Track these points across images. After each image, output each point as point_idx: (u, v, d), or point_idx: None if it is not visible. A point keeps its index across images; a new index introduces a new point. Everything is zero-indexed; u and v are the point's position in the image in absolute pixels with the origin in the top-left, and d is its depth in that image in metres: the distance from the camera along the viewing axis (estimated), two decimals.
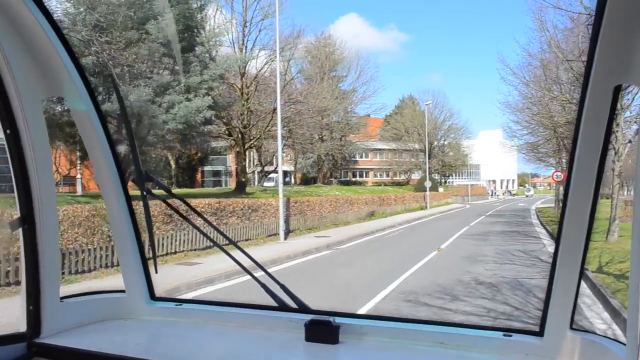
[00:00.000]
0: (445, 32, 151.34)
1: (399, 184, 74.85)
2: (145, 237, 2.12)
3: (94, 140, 1.91)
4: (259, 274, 2.03)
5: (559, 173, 29.92)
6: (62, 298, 1.97)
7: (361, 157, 78.56)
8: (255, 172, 54.50)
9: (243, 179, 29.36)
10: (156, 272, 2.19)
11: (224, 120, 27.38)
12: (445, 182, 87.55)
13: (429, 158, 78.20)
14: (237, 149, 29.07)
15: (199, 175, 58.32)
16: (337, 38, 72.06)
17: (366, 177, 79.52)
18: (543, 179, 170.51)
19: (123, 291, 2.17)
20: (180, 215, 2.18)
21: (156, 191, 2.06)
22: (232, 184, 55.73)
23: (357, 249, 19.79)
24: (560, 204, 27.48)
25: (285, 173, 69.48)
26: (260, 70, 28.72)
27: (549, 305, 1.62)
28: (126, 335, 2.02)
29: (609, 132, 1.31)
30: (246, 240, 19.73)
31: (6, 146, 1.75)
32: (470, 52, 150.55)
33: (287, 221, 23.36)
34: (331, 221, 27.92)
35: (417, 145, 78.07)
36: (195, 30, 20.07)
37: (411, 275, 13.25)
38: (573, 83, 18.62)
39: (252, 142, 29.30)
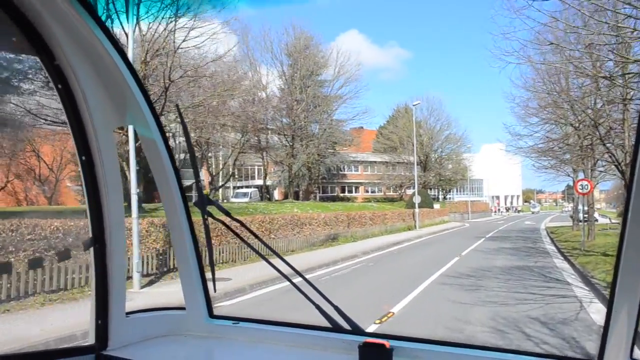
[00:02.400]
0: (447, 49, 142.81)
1: (392, 199, 66.03)
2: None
3: (160, 166, 2.00)
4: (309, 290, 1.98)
5: (585, 182, 20.98)
6: (127, 313, 2.03)
7: (350, 170, 69.75)
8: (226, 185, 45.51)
9: (138, 191, 20.38)
10: (215, 291, 2.17)
11: None
12: (445, 197, 78.51)
13: (425, 171, 69.50)
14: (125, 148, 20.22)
15: None
16: (319, 38, 63.84)
17: (356, 192, 70.54)
18: (548, 194, 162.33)
19: (183, 308, 2.21)
20: (239, 237, 2.25)
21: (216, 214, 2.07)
22: None
23: (250, 307, 10.99)
24: (581, 224, 17.67)
25: (263, 187, 61.16)
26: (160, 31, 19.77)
27: (608, 332, 1.52)
28: (186, 351, 2.10)
29: None
30: (64, 290, 10.95)
31: (81, 171, 1.86)
32: (472, 68, 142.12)
33: (165, 255, 14.63)
34: (262, 251, 19.08)
35: (412, 158, 69.38)
36: None
37: None
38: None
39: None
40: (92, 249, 1.89)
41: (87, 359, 1.88)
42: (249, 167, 60.85)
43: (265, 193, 59.84)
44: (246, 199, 45.82)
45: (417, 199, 39.94)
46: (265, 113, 40.73)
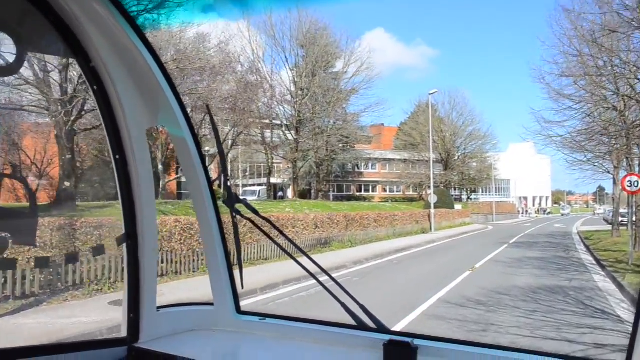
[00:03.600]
0: (475, 46, 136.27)
1: (411, 199, 61.31)
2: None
3: (190, 164, 2.02)
4: (335, 288, 1.99)
5: (635, 178, 16.32)
6: (158, 308, 2.05)
7: (367, 168, 65.29)
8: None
9: (67, 184, 16.25)
10: (242, 287, 2.18)
11: (31, 81, 14.65)
12: (469, 198, 73.43)
13: (446, 169, 64.68)
14: (56, 131, 16.01)
15: (171, 186, 46.06)
16: (334, 29, 59.04)
17: (373, 191, 65.95)
18: (579, 196, 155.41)
19: (212, 304, 2.23)
20: (266, 234, 2.24)
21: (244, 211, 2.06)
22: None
23: None
24: (622, 229, 13.65)
25: (274, 186, 57.36)
26: None
27: (637, 332, 1.42)
28: (214, 346, 2.12)
29: None
30: None
31: (114, 169, 1.88)
32: (501, 68, 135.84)
33: (60, 268, 10.70)
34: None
35: (434, 155, 64.37)
36: None
37: None
38: None
39: (75, 119, 16.24)
40: (125, 244, 1.90)
41: (120, 350, 1.90)
42: (262, 164, 56.94)
43: (271, 191, 56.13)
44: (254, 197, 42.21)
45: (432, 199, 35.39)
46: (268, 103, 36.65)
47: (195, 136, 1.99)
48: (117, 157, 1.84)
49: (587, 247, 24.79)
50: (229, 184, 2.05)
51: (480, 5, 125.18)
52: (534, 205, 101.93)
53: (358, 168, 64.35)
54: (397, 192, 66.81)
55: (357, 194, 63.04)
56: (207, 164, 2.02)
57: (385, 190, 66.73)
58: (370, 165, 65.47)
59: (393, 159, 65.99)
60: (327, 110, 41.84)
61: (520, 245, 26.33)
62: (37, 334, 7.74)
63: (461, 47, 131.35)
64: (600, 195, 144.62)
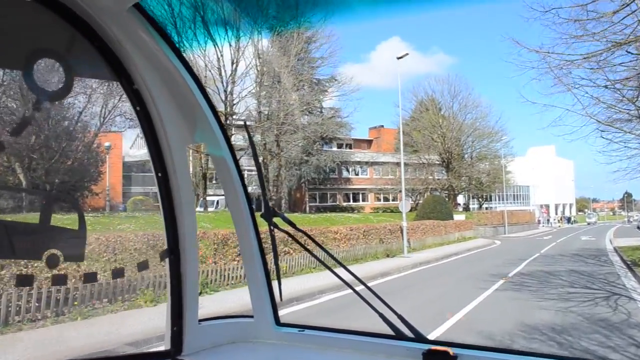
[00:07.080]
0: (493, 54, 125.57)
1: (412, 209, 49.91)
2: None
3: (229, 182, 1.98)
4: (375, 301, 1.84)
5: None
6: (199, 320, 2.01)
7: (356, 173, 53.98)
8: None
9: None
10: (281, 299, 2.12)
11: None
12: (481, 206, 61.57)
13: (448, 172, 53.13)
14: None
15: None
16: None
17: (364, 200, 54.37)
18: (604, 203, 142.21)
19: (251, 316, 2.19)
20: (304, 248, 2.18)
21: (282, 225, 2.02)
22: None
23: None
24: None
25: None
26: None
27: None
28: (256, 357, 2.08)
29: None
30: None
31: (157, 187, 1.84)
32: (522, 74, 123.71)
33: None
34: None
35: (436, 158, 52.97)
36: None
37: None
38: None
39: None
40: (167, 259, 1.87)
41: None
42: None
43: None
44: (212, 208, 35.77)
45: (403, 207, 24.04)
46: None
47: (233, 154, 1.96)
48: (159, 174, 1.82)
49: None
50: (267, 198, 2.00)
51: (499, 11, 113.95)
52: (556, 214, 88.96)
53: (348, 173, 53.30)
54: (393, 201, 55.43)
55: (345, 203, 51.78)
56: (245, 180, 1.97)
57: (379, 199, 55.26)
58: (360, 170, 54.23)
59: (387, 162, 54.55)
60: (271, 90, 30.73)
61: (524, 283, 14.69)
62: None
63: (480, 54, 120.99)
64: (627, 201, 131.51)
